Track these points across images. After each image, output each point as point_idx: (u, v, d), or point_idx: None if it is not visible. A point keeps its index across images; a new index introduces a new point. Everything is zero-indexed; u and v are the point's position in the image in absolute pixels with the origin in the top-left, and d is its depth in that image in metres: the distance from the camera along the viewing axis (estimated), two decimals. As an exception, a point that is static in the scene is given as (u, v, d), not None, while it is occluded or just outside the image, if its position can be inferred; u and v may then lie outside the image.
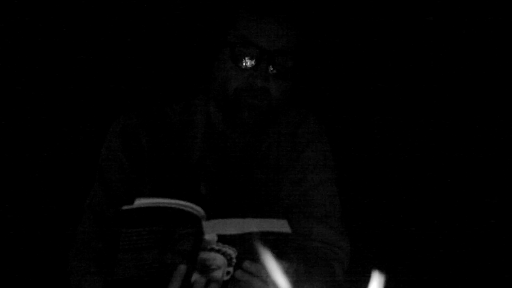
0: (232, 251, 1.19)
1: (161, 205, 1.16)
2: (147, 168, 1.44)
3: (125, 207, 1.15)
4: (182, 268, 1.16)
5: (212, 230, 1.17)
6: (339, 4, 2.31)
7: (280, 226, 1.19)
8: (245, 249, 1.19)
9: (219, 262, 1.19)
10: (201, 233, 1.17)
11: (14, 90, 2.22)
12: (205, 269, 1.19)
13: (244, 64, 1.37)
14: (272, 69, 1.37)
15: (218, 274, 1.20)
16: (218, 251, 1.19)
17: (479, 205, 2.38)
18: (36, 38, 2.21)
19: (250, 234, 1.18)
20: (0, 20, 2.16)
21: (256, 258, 1.19)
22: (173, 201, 1.16)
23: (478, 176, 2.40)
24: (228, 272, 1.20)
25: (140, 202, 1.16)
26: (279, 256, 1.19)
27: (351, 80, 2.40)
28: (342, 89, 2.39)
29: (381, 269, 0.94)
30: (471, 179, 2.40)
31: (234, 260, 1.20)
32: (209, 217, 1.19)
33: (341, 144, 1.70)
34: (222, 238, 1.18)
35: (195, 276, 1.18)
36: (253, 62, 1.36)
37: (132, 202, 1.16)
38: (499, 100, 2.39)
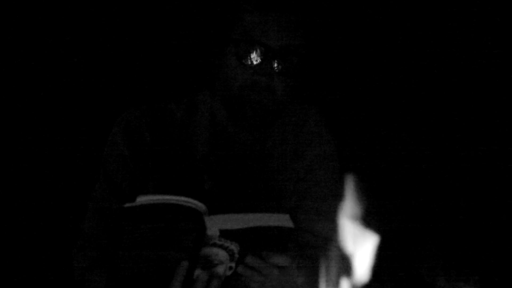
0: (234, 246, 1.19)
1: (162, 202, 1.16)
2: (151, 164, 1.44)
3: (127, 205, 1.15)
4: (185, 264, 1.16)
5: (214, 225, 1.17)
6: (344, 2, 2.31)
7: (283, 221, 1.19)
8: (247, 244, 1.19)
9: (221, 257, 1.19)
10: (203, 228, 1.17)
11: (15, 89, 2.22)
12: (208, 264, 1.19)
13: (248, 61, 1.36)
14: (276, 66, 1.37)
15: (220, 269, 1.20)
16: (220, 246, 1.18)
17: (480, 205, 2.37)
18: (39, 36, 2.21)
19: (252, 229, 1.18)
20: (0, 20, 2.17)
21: (258, 253, 1.19)
22: (174, 197, 1.16)
23: (482, 176, 2.39)
24: (230, 267, 1.20)
25: (142, 199, 1.17)
26: (282, 251, 1.19)
27: (355, 76, 2.39)
28: (346, 85, 2.39)
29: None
30: (476, 178, 2.39)
31: (237, 255, 1.20)
32: (212, 213, 1.19)
33: (344, 139, 1.69)
34: (224, 233, 1.17)
35: (198, 272, 1.19)
36: (257, 60, 1.36)
37: (135, 199, 1.17)
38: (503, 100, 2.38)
